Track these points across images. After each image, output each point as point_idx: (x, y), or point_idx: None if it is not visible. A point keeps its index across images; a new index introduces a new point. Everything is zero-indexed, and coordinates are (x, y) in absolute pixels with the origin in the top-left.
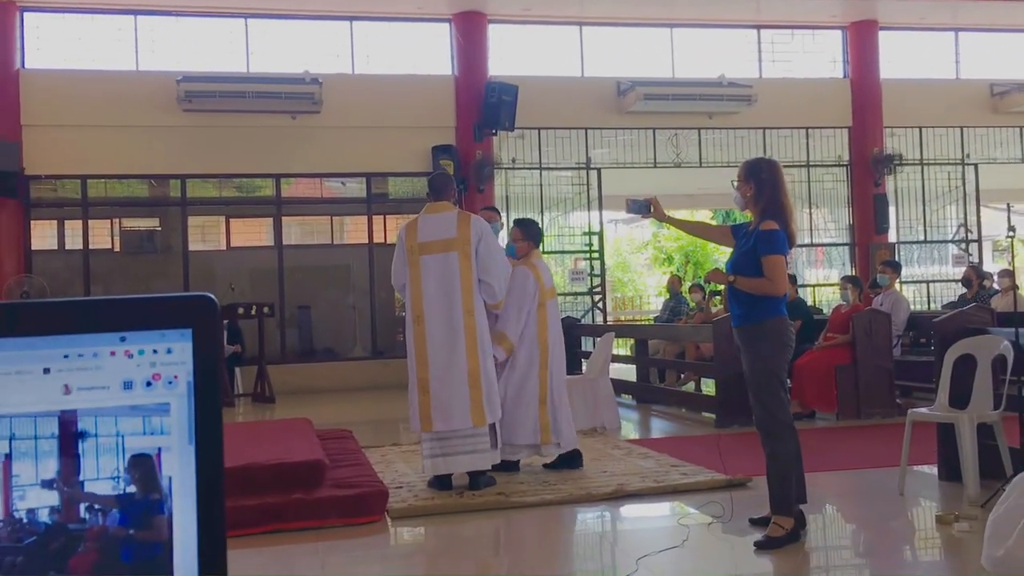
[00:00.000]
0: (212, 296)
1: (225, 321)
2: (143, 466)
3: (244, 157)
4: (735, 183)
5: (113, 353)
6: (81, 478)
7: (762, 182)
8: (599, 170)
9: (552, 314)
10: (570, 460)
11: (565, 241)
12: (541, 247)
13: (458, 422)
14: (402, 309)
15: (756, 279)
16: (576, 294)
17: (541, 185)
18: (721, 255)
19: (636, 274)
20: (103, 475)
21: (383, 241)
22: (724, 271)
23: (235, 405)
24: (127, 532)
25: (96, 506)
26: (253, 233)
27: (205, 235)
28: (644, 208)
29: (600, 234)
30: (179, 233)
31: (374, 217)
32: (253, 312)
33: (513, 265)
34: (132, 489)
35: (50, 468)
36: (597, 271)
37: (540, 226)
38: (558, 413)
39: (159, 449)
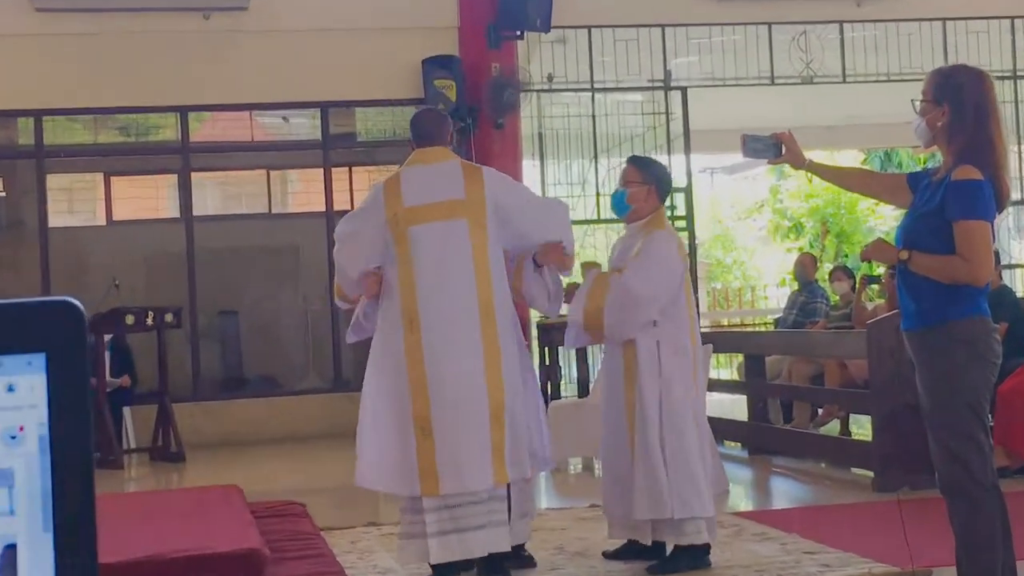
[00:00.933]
0: (76, 302)
1: (107, 338)
2: None
3: (131, 82)
4: (918, 104)
5: None
6: None
7: (962, 105)
8: (684, 91)
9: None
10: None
11: None
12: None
13: (475, 480)
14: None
15: (943, 257)
16: None
17: (593, 116)
18: (881, 220)
19: (745, 252)
20: None
21: (348, 208)
22: (892, 244)
23: (123, 466)
24: None
25: None
26: (147, 199)
27: (73, 203)
28: (771, 149)
29: (687, 191)
30: (32, 199)
31: (334, 171)
32: (149, 322)
33: (637, 231)
34: None
35: None
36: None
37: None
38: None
39: (4, 543)
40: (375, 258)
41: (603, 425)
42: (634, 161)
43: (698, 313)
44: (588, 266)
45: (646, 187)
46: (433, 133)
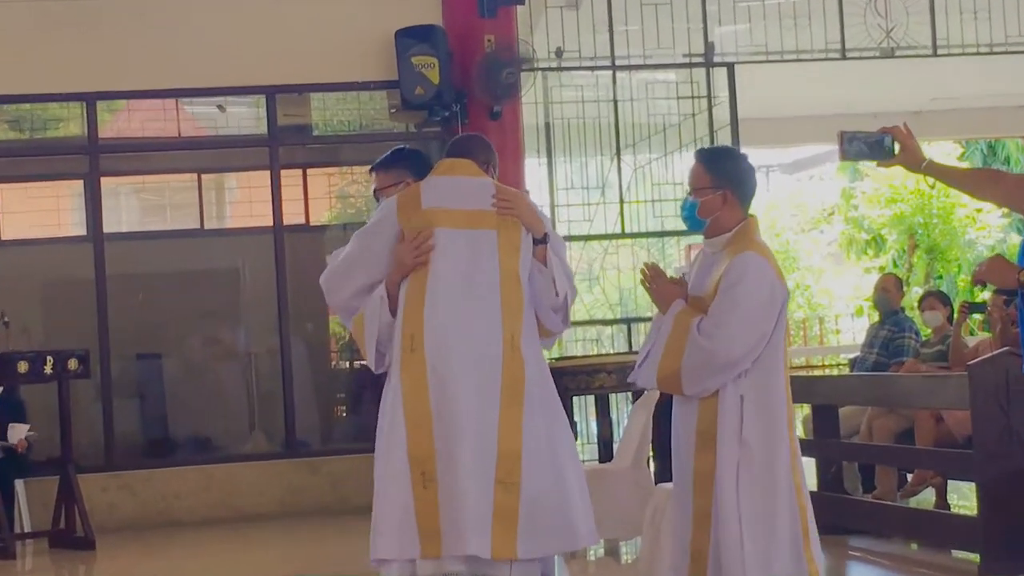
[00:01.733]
0: None
1: None
2: None
3: (22, 62)
4: None
5: None
6: None
7: None
8: (730, 68)
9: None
10: None
11: (665, 208)
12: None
13: (473, 543)
14: (347, 352)
15: None
16: None
17: (615, 101)
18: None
19: (810, 273)
20: None
21: (303, 222)
22: (1012, 263)
23: (15, 555)
24: None
25: None
26: (44, 212)
27: None
28: (879, 148)
29: None
30: None
31: (284, 173)
32: (48, 370)
33: (718, 248)
34: None
35: None
36: None
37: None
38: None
39: None
40: (376, 273)
41: (672, 495)
42: (704, 159)
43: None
44: (673, 286)
45: (720, 192)
46: (470, 150)
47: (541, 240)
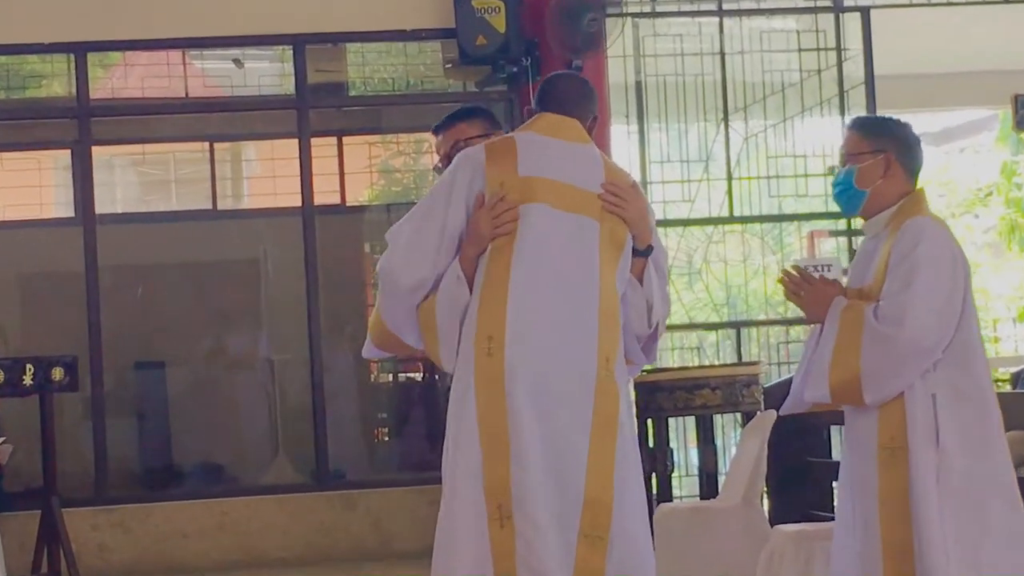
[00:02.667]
0: None
1: None
2: None
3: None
4: None
5: None
6: None
7: None
8: (865, 12)
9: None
10: None
11: (783, 186)
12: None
13: None
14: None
15: None
16: None
17: (723, 54)
18: None
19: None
20: None
21: (337, 202)
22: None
23: None
24: None
25: None
26: (24, 189)
27: None
28: None
29: None
30: None
31: (314, 142)
32: (28, 380)
33: (880, 227)
34: None
35: None
36: None
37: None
38: None
39: None
40: (447, 257)
41: (835, 534)
42: (859, 126)
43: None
44: (828, 285)
45: (882, 156)
46: (573, 101)
47: (643, 252)
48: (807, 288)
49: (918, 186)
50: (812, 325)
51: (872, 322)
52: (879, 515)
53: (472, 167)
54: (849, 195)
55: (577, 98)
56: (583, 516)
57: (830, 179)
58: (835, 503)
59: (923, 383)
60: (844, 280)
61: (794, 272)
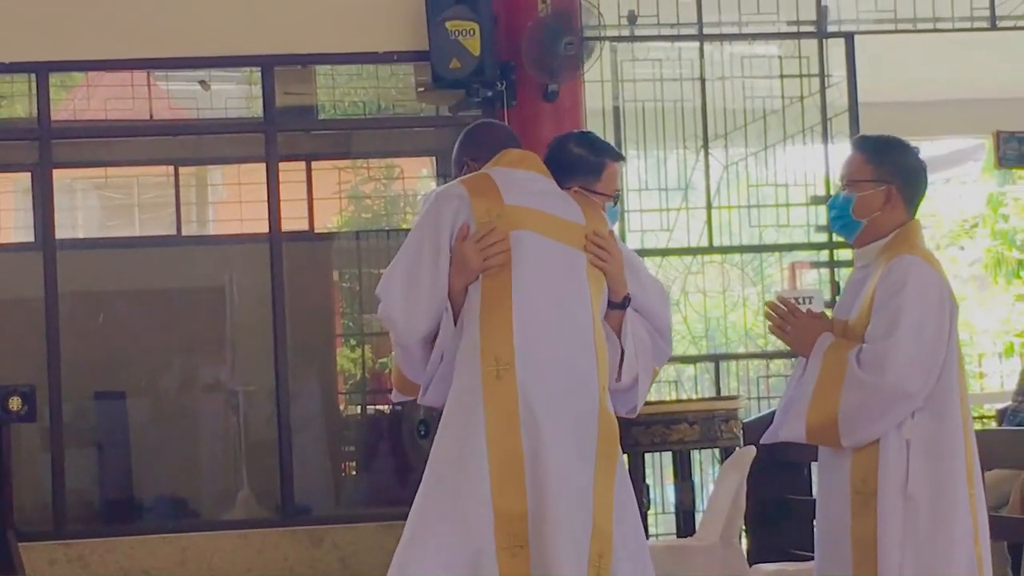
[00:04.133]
0: None
1: None
2: None
3: None
4: None
5: None
6: None
7: None
8: (849, 39)
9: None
10: None
11: (764, 216)
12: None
13: None
14: (359, 393)
15: None
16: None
17: (703, 80)
18: None
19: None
20: None
21: (305, 228)
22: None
23: None
24: None
25: None
26: None
27: None
28: None
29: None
30: None
31: (283, 167)
32: None
33: (871, 258)
34: None
35: None
36: None
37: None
38: None
39: None
40: (443, 299)
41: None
42: (864, 148)
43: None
44: (814, 319)
45: (884, 188)
46: (512, 141)
47: (620, 304)
48: (793, 321)
49: (915, 216)
50: (797, 357)
51: (854, 367)
52: (852, 557)
53: (455, 202)
54: (844, 223)
55: (509, 138)
56: (592, 546)
57: (812, 208)
58: (814, 542)
59: (898, 430)
60: (828, 312)
61: (780, 304)
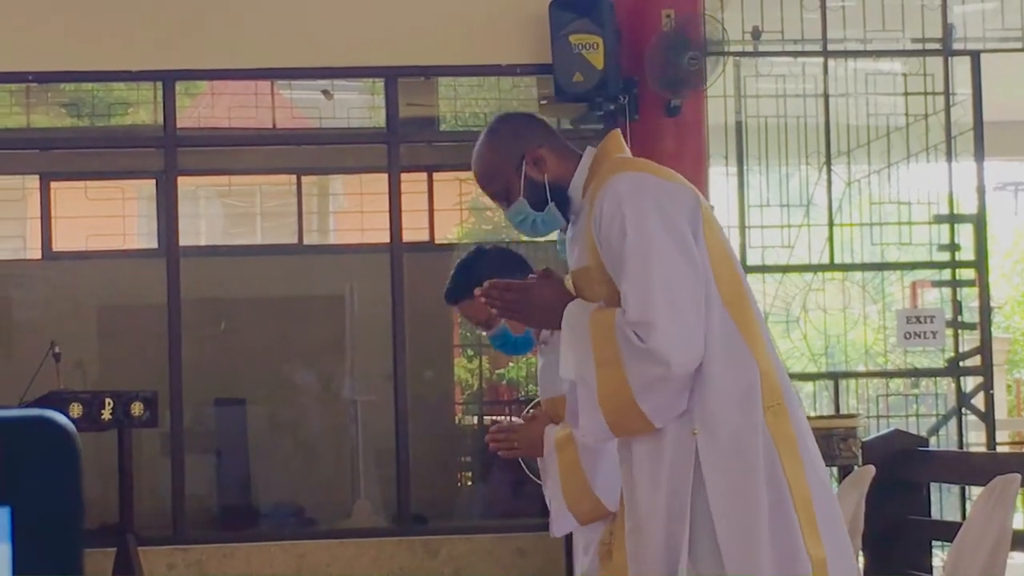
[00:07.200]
0: (58, 418)
1: None
2: None
3: (82, 33)
4: None
5: None
6: None
7: None
8: (975, 57)
9: None
10: None
11: (886, 233)
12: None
13: None
14: (475, 403)
15: None
16: (922, 373)
17: (826, 96)
18: None
19: None
20: None
21: (426, 239)
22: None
23: None
24: None
25: None
26: (107, 219)
27: None
28: None
29: (978, 219)
30: None
31: (404, 177)
32: (106, 415)
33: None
34: None
35: None
36: (971, 314)
37: None
38: None
39: None
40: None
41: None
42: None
43: (991, 416)
44: (532, 423)
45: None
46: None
47: None
48: (516, 435)
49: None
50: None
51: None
52: None
53: (692, 202)
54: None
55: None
56: None
57: (934, 227)
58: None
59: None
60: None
61: (495, 432)
